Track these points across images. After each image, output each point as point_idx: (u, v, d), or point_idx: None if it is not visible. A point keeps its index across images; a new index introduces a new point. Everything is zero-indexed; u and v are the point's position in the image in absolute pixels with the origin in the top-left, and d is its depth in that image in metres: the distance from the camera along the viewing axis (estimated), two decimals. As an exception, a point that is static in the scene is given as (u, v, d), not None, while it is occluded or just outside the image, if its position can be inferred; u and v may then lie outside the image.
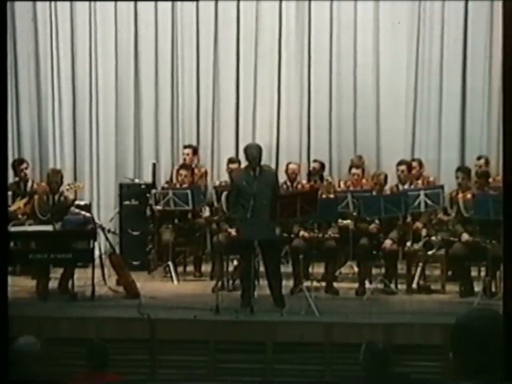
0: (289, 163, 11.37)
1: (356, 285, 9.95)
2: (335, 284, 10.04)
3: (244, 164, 11.34)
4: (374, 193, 10.36)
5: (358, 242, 9.96)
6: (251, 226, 8.88)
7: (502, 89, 3.71)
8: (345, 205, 10.29)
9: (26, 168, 11.01)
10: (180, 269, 11.01)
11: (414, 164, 11.28)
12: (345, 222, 10.22)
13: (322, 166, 11.66)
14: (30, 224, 9.93)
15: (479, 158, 11.39)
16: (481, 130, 12.24)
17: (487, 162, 11.21)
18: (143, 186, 11.47)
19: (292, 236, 9.85)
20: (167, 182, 11.57)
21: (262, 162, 9.44)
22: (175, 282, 10.50)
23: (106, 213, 12.26)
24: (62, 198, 10.08)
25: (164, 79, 12.64)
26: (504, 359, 3.09)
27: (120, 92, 12.65)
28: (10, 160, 12.28)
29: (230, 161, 11.53)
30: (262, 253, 9.21)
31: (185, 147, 11.90)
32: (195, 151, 11.85)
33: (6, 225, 5.16)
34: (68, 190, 10.43)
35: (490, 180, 10.20)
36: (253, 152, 9.19)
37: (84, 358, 7.30)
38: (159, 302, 9.33)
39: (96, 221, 10.60)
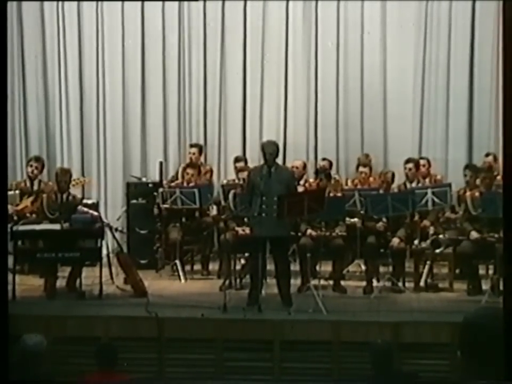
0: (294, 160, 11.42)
1: (364, 283, 9.95)
2: (342, 282, 10.03)
3: (250, 162, 11.41)
4: (381, 191, 10.36)
5: (366, 241, 9.96)
6: (262, 224, 8.91)
7: (502, 89, 3.71)
8: (353, 203, 10.28)
9: (37, 168, 10.98)
10: (188, 267, 11.01)
11: (422, 161, 11.28)
12: (352, 220, 10.21)
13: (330, 164, 11.67)
14: (38, 223, 9.95)
15: (487, 155, 11.39)
16: (489, 129, 12.23)
17: (495, 159, 11.18)
18: (150, 185, 11.47)
19: (300, 234, 9.84)
20: (172, 181, 11.56)
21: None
22: (183, 280, 10.50)
23: (113, 211, 12.28)
24: (70, 197, 10.10)
25: (171, 78, 12.65)
26: (505, 358, 3.09)
27: (127, 91, 12.67)
28: (17, 159, 12.44)
29: (236, 160, 11.55)
30: (272, 251, 9.21)
31: (191, 146, 11.92)
32: (201, 150, 11.87)
33: (6, 225, 5.17)
34: (74, 185, 10.43)
35: (499, 177, 10.18)
36: (269, 149, 9.21)
37: (91, 356, 7.31)
38: (167, 301, 9.34)
39: (104, 219, 10.62)
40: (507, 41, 3.65)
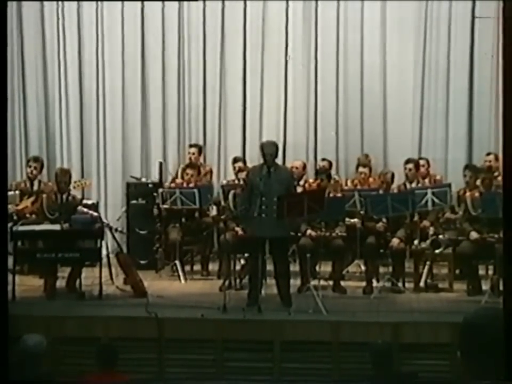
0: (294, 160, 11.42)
1: (363, 284, 9.95)
2: (342, 283, 10.03)
3: (249, 162, 11.40)
4: (381, 192, 10.36)
5: (365, 241, 9.96)
6: (261, 224, 8.91)
7: (502, 89, 3.70)
8: (353, 204, 10.28)
9: (36, 168, 10.99)
10: (187, 267, 11.01)
11: (422, 162, 11.28)
12: (352, 220, 10.21)
13: (330, 164, 11.67)
14: (37, 224, 9.95)
15: (488, 154, 11.37)
16: (489, 129, 12.23)
17: (496, 159, 11.16)
18: (150, 186, 11.47)
19: (299, 234, 9.84)
20: (172, 181, 11.56)
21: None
22: (183, 281, 10.50)
23: (113, 212, 12.28)
24: (70, 198, 10.10)
25: (171, 78, 12.65)
26: (505, 358, 3.08)
27: (127, 92, 12.66)
28: (17, 159, 12.44)
29: (235, 160, 11.56)
30: (271, 251, 9.21)
31: (191, 146, 11.92)
32: (200, 150, 11.88)
33: (6, 225, 5.17)
34: (74, 187, 10.43)
35: (500, 178, 10.17)
36: (268, 150, 9.21)
37: (91, 357, 7.31)
38: (167, 301, 9.33)
39: (104, 220, 10.62)
40: (507, 41, 3.64)
